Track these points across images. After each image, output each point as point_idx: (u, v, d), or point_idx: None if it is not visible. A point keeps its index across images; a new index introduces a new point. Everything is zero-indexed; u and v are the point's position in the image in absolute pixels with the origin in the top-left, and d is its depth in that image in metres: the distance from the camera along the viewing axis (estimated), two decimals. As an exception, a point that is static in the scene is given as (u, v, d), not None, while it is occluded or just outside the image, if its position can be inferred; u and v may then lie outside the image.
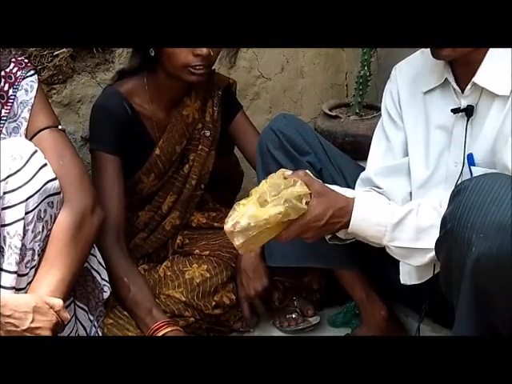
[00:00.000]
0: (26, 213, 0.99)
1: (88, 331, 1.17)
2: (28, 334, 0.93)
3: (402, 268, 1.20)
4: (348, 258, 1.27)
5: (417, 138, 1.17)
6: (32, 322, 0.93)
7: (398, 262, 1.17)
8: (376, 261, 1.27)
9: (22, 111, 1.12)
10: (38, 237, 1.02)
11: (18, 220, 0.98)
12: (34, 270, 1.02)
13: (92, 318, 1.18)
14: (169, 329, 1.22)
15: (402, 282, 1.20)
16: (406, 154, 1.20)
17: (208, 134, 1.45)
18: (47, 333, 0.94)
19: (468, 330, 1.00)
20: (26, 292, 1.01)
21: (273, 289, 1.37)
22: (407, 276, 1.20)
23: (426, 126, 1.16)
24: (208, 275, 1.37)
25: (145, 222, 1.46)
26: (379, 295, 1.35)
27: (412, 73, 1.20)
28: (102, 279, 1.22)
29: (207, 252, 1.42)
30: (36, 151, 1.05)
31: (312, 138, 1.26)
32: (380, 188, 1.19)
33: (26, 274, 1.01)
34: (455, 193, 0.95)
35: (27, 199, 0.99)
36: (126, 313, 1.27)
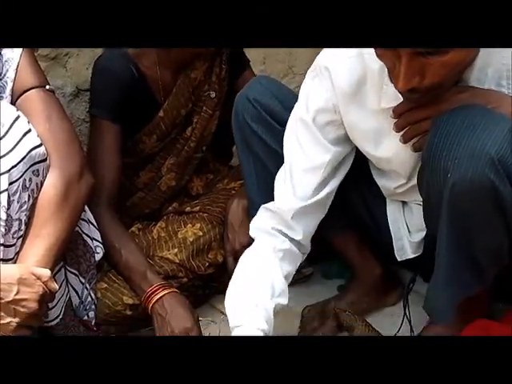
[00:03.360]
0: (10, 183, 0.97)
1: (80, 294, 1.19)
2: (14, 306, 0.93)
3: (396, 244, 1.21)
4: (341, 223, 1.27)
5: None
6: (17, 293, 0.94)
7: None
8: (369, 223, 1.27)
9: (7, 70, 1.08)
10: (24, 206, 1.01)
11: (2, 191, 0.96)
12: (21, 240, 1.01)
13: (84, 280, 1.19)
14: (165, 291, 1.23)
15: (397, 258, 1.21)
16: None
17: (213, 95, 1.41)
18: (34, 304, 0.95)
19: (448, 263, 1.03)
20: (14, 263, 1.01)
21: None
22: (401, 251, 1.21)
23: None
24: (200, 233, 1.37)
25: (144, 183, 1.45)
26: (373, 254, 1.35)
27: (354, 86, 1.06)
28: (94, 240, 1.23)
29: (198, 208, 1.42)
30: (18, 117, 1.02)
31: (293, 104, 1.16)
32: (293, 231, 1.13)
33: (14, 245, 1.01)
34: (432, 124, 0.94)
35: (10, 169, 0.97)
36: (120, 277, 1.28)
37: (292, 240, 1.14)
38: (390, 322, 1.31)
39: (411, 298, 1.26)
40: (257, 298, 1.05)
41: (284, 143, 1.15)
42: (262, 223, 1.15)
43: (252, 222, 1.17)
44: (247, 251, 1.15)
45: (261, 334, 1.01)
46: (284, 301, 1.09)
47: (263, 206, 1.17)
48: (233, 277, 1.11)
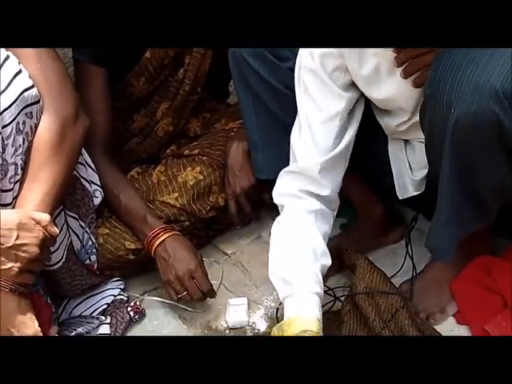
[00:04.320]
0: (3, 126, 0.95)
1: (81, 238, 1.19)
2: (14, 252, 0.93)
3: (398, 183, 1.19)
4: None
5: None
6: (17, 238, 0.93)
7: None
8: (371, 162, 1.25)
9: None
10: (20, 150, 0.98)
11: (-5, 135, 0.94)
12: (18, 184, 1.00)
13: (83, 224, 1.18)
14: (167, 234, 1.22)
15: (399, 196, 1.20)
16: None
17: None
18: (34, 249, 0.94)
19: (451, 199, 1.02)
20: (13, 207, 1.00)
21: (262, 190, 1.35)
22: (403, 190, 1.19)
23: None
24: (201, 177, 1.35)
25: (140, 128, 1.42)
26: (376, 194, 1.34)
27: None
28: (93, 184, 1.21)
29: (197, 151, 1.39)
30: (8, 57, 0.98)
31: None
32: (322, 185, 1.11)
33: (11, 190, 1.00)
34: (434, 58, 0.91)
35: (3, 112, 0.94)
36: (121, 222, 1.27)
37: (321, 198, 1.12)
38: (392, 260, 1.31)
39: (413, 236, 1.26)
40: (302, 264, 1.04)
41: (297, 101, 1.12)
42: (287, 187, 1.13)
43: (275, 188, 1.15)
44: (278, 219, 1.13)
45: (316, 297, 1.01)
46: (328, 261, 1.09)
47: (283, 170, 1.14)
48: (271, 248, 1.10)
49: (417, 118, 1.08)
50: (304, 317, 0.98)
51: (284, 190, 1.13)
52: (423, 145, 1.11)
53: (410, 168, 1.21)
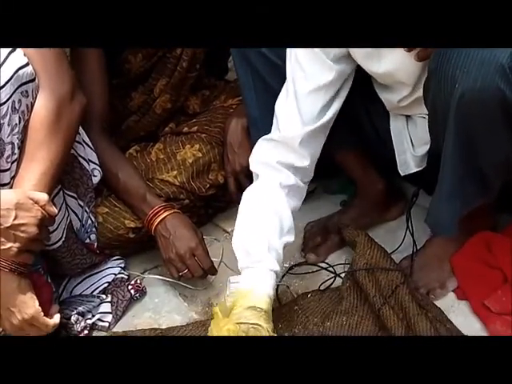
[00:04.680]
0: (-1, 105, 0.94)
1: (80, 217, 1.18)
2: (13, 232, 0.93)
3: (399, 159, 1.18)
4: (343, 139, 1.23)
5: None
6: (15, 218, 0.93)
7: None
8: (372, 138, 1.24)
9: None
10: (16, 129, 0.97)
11: (-10, 114, 0.93)
12: (15, 164, 0.99)
13: (82, 203, 1.18)
14: (167, 213, 1.22)
15: (400, 172, 1.19)
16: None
17: None
18: (33, 229, 0.94)
19: (453, 175, 1.02)
20: (11, 187, 0.99)
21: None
22: (404, 166, 1.18)
23: None
24: (200, 154, 1.34)
25: (138, 105, 1.40)
26: (377, 170, 1.33)
27: None
28: (91, 163, 1.20)
29: (195, 128, 1.38)
30: None
31: None
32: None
33: (8, 169, 0.99)
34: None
35: (-2, 91, 0.93)
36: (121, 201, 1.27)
37: (298, 170, 1.12)
38: (392, 236, 1.31)
39: (414, 212, 1.25)
40: (267, 239, 1.04)
41: (286, 68, 1.10)
42: (266, 156, 1.12)
43: (253, 155, 1.14)
44: (251, 188, 1.13)
45: (273, 275, 1.02)
46: (291, 238, 1.09)
47: (263, 137, 1.14)
48: (239, 215, 1.10)
49: (418, 93, 1.07)
50: (257, 292, 0.99)
51: (262, 158, 1.13)
52: (425, 120, 1.10)
53: (412, 144, 1.20)
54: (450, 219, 1.11)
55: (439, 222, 1.14)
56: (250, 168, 1.15)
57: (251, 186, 1.14)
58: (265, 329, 0.95)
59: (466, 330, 1.09)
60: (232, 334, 0.92)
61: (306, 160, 1.12)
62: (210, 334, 0.97)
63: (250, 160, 1.15)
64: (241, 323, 0.95)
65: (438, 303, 1.15)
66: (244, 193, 1.13)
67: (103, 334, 1.17)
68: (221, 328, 0.94)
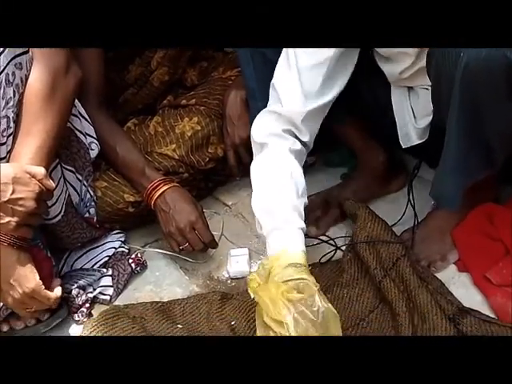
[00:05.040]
0: (-8, 78, 0.92)
1: (79, 191, 1.17)
2: (11, 206, 0.92)
3: (401, 131, 1.17)
4: (344, 111, 1.22)
5: None
6: (13, 193, 0.92)
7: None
8: (374, 111, 1.23)
9: None
10: (11, 103, 0.96)
11: (-16, 88, 0.91)
12: (11, 138, 0.98)
13: (81, 177, 1.17)
14: (166, 186, 1.21)
15: (402, 145, 1.17)
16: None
17: None
18: (31, 203, 0.93)
19: (458, 147, 1.01)
20: (7, 162, 0.98)
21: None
22: (406, 138, 1.17)
23: None
24: (198, 127, 1.32)
25: (135, 78, 1.38)
26: (378, 142, 1.32)
27: None
28: (88, 136, 1.19)
29: (194, 100, 1.36)
30: None
31: None
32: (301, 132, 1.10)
33: (4, 143, 0.98)
34: None
35: (-9, 63, 0.92)
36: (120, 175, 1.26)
37: (300, 140, 1.12)
38: (393, 208, 1.30)
39: (415, 185, 1.25)
40: (289, 199, 1.04)
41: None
42: (270, 127, 1.11)
43: (256, 127, 1.13)
44: (261, 157, 1.12)
45: (301, 232, 1.02)
46: (306, 199, 1.09)
47: (265, 109, 1.13)
48: (254, 184, 1.09)
49: (421, 64, 1.05)
50: (291, 250, 0.99)
51: (267, 129, 1.12)
52: (428, 92, 1.08)
53: (414, 116, 1.18)
54: (454, 192, 1.10)
55: (443, 194, 1.13)
56: (255, 139, 1.14)
57: (259, 156, 1.13)
58: (311, 281, 0.94)
59: (467, 302, 1.09)
60: (287, 294, 0.90)
61: (306, 136, 1.12)
62: (259, 300, 0.93)
63: (254, 131, 1.14)
64: (287, 281, 0.94)
65: (438, 275, 1.15)
66: (252, 164, 1.13)
67: (105, 307, 1.17)
68: (271, 290, 0.91)
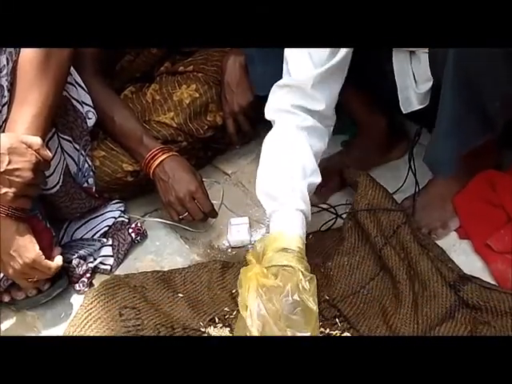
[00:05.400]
0: (-16, 46, 0.90)
1: (77, 161, 1.16)
2: (8, 177, 0.91)
3: (401, 96, 1.14)
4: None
5: None
6: (9, 163, 0.91)
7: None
8: (374, 76, 1.20)
9: None
10: (4, 71, 0.94)
11: (-24, 56, 0.90)
12: (6, 107, 0.96)
13: (78, 147, 1.16)
14: (165, 155, 1.19)
15: (402, 110, 1.15)
16: None
17: None
18: (28, 173, 0.92)
19: (453, 110, 0.99)
20: (3, 132, 0.96)
21: (261, 107, 1.31)
22: (407, 103, 1.15)
23: None
24: (197, 95, 1.30)
25: None
26: (378, 108, 1.30)
27: None
28: (85, 105, 1.17)
29: (191, 67, 1.33)
30: None
31: None
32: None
33: (-1, 113, 0.97)
34: None
35: (-18, 30, 0.90)
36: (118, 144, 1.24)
37: (314, 113, 1.08)
38: (395, 175, 1.30)
39: (417, 151, 1.23)
40: (290, 180, 1.02)
41: None
42: (279, 102, 1.08)
43: (267, 103, 1.11)
44: (269, 135, 1.09)
45: (300, 214, 1.00)
46: (317, 179, 1.06)
47: (276, 84, 1.10)
48: (260, 164, 1.07)
49: (423, 26, 1.02)
50: (287, 234, 0.97)
51: (276, 104, 1.09)
52: (429, 55, 1.06)
53: (415, 81, 1.16)
54: (448, 158, 1.08)
55: (437, 160, 1.12)
56: (266, 116, 1.11)
57: (269, 133, 1.10)
58: (296, 270, 0.92)
59: (468, 269, 1.09)
60: (260, 279, 0.90)
61: (320, 103, 1.08)
62: (238, 282, 0.93)
63: (266, 109, 1.11)
64: (270, 266, 0.93)
65: (439, 243, 1.15)
66: (263, 142, 1.10)
67: (106, 277, 1.17)
68: (247, 275, 0.91)
